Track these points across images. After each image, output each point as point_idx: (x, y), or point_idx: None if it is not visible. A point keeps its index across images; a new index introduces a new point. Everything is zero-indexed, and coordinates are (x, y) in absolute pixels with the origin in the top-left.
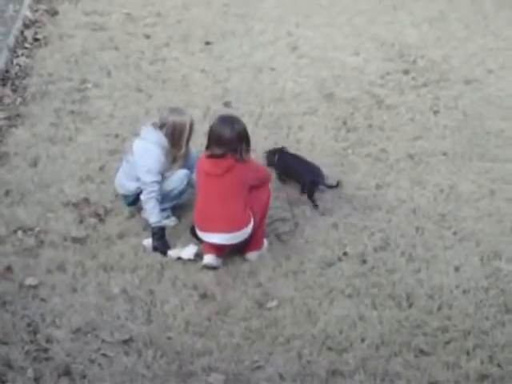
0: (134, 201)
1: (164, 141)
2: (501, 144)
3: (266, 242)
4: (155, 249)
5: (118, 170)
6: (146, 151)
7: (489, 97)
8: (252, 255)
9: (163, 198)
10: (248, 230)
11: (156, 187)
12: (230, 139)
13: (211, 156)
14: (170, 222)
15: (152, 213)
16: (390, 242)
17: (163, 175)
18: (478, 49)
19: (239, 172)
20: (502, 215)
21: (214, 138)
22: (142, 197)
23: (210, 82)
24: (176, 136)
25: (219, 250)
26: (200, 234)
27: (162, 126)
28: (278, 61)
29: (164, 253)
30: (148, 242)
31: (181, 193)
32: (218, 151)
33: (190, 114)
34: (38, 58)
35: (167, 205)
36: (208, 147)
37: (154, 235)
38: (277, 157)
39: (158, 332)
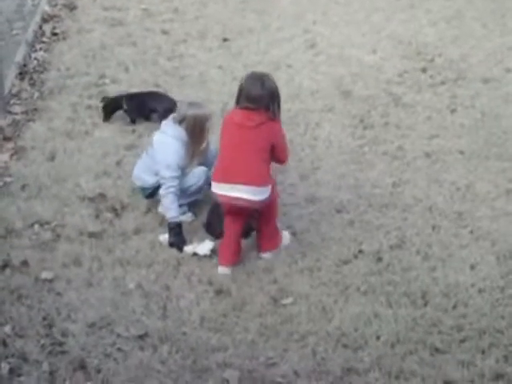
0: (151, 194)
1: (184, 135)
2: None
3: (288, 234)
4: (171, 244)
5: (136, 163)
6: (166, 145)
7: (506, 96)
8: (268, 254)
9: (181, 193)
10: (267, 190)
11: (175, 182)
12: (261, 95)
13: (245, 108)
14: (187, 217)
15: (170, 208)
16: (405, 240)
17: (182, 170)
18: (496, 47)
19: (270, 129)
20: None
21: (244, 95)
22: (161, 191)
23: (228, 78)
24: (197, 130)
25: (234, 256)
26: (219, 186)
27: (181, 121)
28: (295, 58)
29: (180, 248)
30: (164, 237)
31: (199, 189)
32: (251, 106)
33: (208, 107)
34: (56, 52)
35: (184, 201)
36: (238, 103)
37: (170, 230)
38: (125, 103)
39: (174, 327)
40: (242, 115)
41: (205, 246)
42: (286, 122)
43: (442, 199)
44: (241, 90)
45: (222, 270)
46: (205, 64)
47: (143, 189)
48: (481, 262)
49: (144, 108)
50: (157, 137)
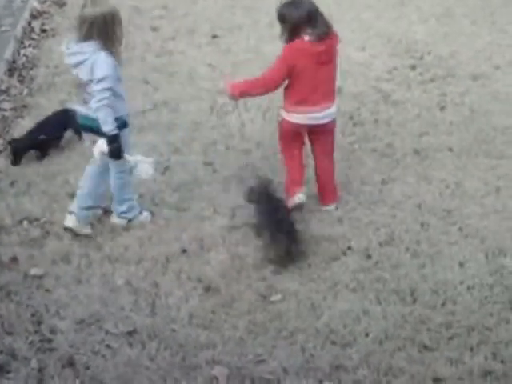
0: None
1: (100, 43)
2: (507, 140)
3: None
4: (111, 154)
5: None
6: (95, 64)
7: (496, 93)
8: (332, 206)
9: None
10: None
11: (107, 94)
12: (317, 11)
13: (320, 39)
14: (145, 218)
15: (106, 121)
16: (394, 237)
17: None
18: (486, 45)
19: (337, 46)
20: (508, 212)
21: (305, 20)
22: (93, 104)
23: (217, 75)
24: (110, 26)
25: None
26: (298, 114)
27: (87, 28)
28: None
29: (120, 157)
30: (99, 149)
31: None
32: (322, 29)
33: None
34: (45, 49)
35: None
36: (298, 34)
37: (110, 142)
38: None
39: (162, 324)
40: (320, 51)
41: (147, 168)
42: (277, 118)
43: (431, 196)
44: (296, 19)
45: (301, 196)
46: (194, 61)
47: (116, 119)
48: (470, 260)
49: (64, 126)
50: (83, 67)
